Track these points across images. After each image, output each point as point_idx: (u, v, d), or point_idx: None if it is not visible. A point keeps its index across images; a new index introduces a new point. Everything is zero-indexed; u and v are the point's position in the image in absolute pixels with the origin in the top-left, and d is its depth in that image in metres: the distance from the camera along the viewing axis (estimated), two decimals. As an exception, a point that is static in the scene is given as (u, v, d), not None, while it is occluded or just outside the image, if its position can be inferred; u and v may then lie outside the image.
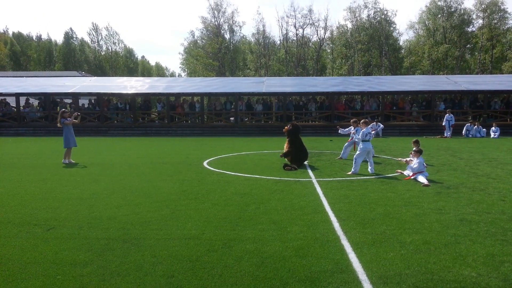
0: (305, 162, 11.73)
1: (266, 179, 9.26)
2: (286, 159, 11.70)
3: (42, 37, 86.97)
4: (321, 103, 27.63)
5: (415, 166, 9.26)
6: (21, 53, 79.82)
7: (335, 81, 29.42)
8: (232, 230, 5.45)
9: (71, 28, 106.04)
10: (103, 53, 79.91)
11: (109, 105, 28.11)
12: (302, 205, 6.81)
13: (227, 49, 64.49)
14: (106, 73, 74.30)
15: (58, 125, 12.41)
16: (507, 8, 68.09)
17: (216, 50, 61.68)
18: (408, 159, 10.05)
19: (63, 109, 12.93)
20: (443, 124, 22.79)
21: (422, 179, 8.84)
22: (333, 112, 25.76)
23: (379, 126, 23.04)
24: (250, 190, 8.08)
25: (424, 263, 4.33)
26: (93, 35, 79.03)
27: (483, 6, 54.66)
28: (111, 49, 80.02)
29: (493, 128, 22.56)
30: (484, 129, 22.99)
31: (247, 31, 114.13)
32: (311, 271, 4.11)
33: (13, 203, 7.01)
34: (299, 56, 61.57)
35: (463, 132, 23.17)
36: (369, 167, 10.26)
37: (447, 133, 22.49)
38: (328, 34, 63.60)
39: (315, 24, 70.46)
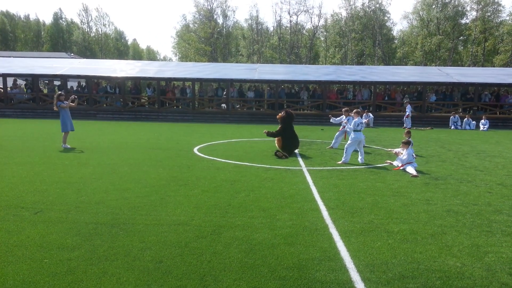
0: (296, 151, 11.75)
1: (256, 167, 9.27)
2: (277, 144, 11.71)
3: (30, 17, 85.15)
4: (313, 92, 27.60)
5: (404, 157, 9.33)
6: (9, 33, 78.02)
7: (328, 69, 29.35)
8: (222, 217, 5.45)
9: (60, 9, 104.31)
10: (92, 34, 78.51)
11: (98, 88, 27.72)
12: (292, 193, 6.83)
13: (220, 34, 63.82)
14: (95, 56, 73.13)
15: (55, 108, 12.16)
16: (501, 1, 68.37)
17: (208, 34, 61.00)
18: (397, 150, 10.12)
19: (59, 92, 12.66)
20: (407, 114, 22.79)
21: (411, 169, 8.92)
22: (325, 101, 25.77)
23: (369, 116, 23.14)
24: (240, 177, 8.08)
25: (411, 252, 4.39)
26: (83, 16, 77.61)
27: (477, -2, 54.73)
28: (101, 31, 78.72)
29: (483, 120, 22.78)
30: (473, 122, 23.23)
31: (240, 16, 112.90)
32: (299, 259, 4.15)
33: (0, 186, 6.92)
34: (292, 43, 61.23)
35: (450, 124, 23.35)
36: (359, 157, 10.32)
37: (408, 124, 22.52)
38: (322, 21, 63.38)
39: (309, 11, 70.37)
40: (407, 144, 9.56)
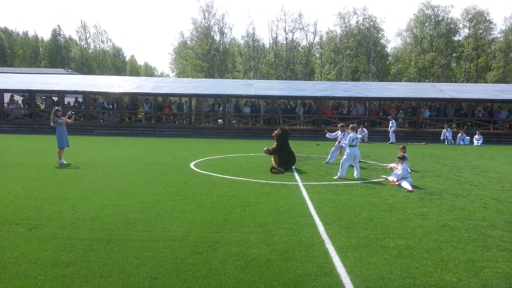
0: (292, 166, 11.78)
1: (252, 182, 9.27)
2: (273, 161, 11.75)
3: (29, 33, 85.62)
4: (309, 107, 27.79)
5: (399, 172, 9.38)
6: (7, 49, 78.34)
7: (323, 85, 29.62)
8: (218, 233, 5.44)
9: (58, 25, 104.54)
10: (90, 51, 78.95)
11: (96, 104, 27.80)
12: (288, 209, 6.83)
13: (217, 50, 64.41)
14: (93, 72, 73.38)
15: (51, 124, 12.18)
16: (493, 19, 69.60)
17: (205, 51, 61.55)
18: (392, 165, 10.17)
19: (57, 108, 12.70)
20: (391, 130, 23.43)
21: (406, 185, 8.95)
22: (321, 117, 25.93)
23: (364, 131, 23.28)
24: (236, 192, 8.08)
25: (407, 267, 4.39)
26: (81, 32, 78.06)
27: (469, 16, 55.72)
28: (99, 47, 79.19)
29: (477, 136, 22.98)
30: (467, 137, 23.41)
31: (237, 33, 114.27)
32: (296, 275, 4.13)
33: (-6, 202, 6.88)
34: (288, 60, 61.84)
35: (441, 137, 23.56)
36: (355, 172, 10.35)
37: (392, 139, 23.24)
38: (317, 39, 64.15)
39: (304, 28, 71.12)
40: (402, 159, 9.62)
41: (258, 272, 4.17)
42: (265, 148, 12.11)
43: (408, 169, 9.60)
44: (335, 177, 10.12)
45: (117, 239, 5.10)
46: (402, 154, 9.98)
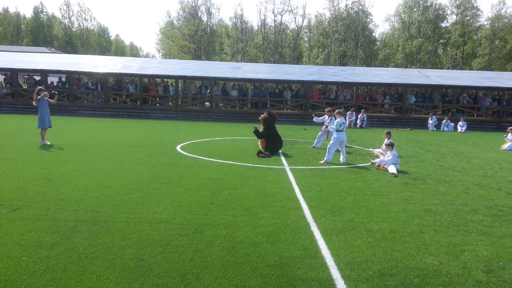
0: (279, 150, 11.81)
1: (239, 166, 9.28)
2: (260, 145, 11.74)
3: (10, 10, 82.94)
4: (297, 92, 27.75)
5: (389, 158, 9.49)
6: (-14, 26, 75.91)
7: (311, 70, 29.55)
8: (204, 215, 5.45)
9: (41, 2, 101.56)
10: (74, 29, 76.97)
11: (80, 84, 27.25)
12: (274, 192, 6.87)
13: (204, 31, 63.51)
14: (77, 51, 71.75)
15: (34, 103, 11.91)
16: (480, 6, 69.97)
17: (192, 32, 60.62)
18: (380, 151, 10.27)
19: (39, 87, 12.40)
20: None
21: (392, 168, 9.08)
22: (308, 101, 25.94)
23: (353, 115, 23.43)
24: (223, 176, 8.08)
25: (390, 250, 4.48)
26: (64, 10, 75.94)
27: (457, 2, 55.95)
28: (83, 25, 77.26)
29: (461, 122, 23.32)
30: (452, 123, 23.75)
31: (225, 14, 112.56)
32: (281, 257, 4.18)
33: (-24, 182, 6.75)
34: (276, 43, 61.38)
35: (428, 126, 23.80)
36: (341, 157, 10.44)
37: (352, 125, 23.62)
38: (306, 22, 63.76)
39: (293, 11, 70.67)
40: (391, 146, 9.73)
41: (244, 254, 4.21)
42: (254, 126, 11.96)
43: (397, 155, 9.72)
44: (322, 161, 10.19)
45: (103, 220, 5.07)
46: (389, 141, 10.09)
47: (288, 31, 64.28)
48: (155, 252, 4.17)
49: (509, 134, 15.08)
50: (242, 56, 60.57)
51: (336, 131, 10.31)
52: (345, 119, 22.90)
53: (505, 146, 14.79)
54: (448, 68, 55.55)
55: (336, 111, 10.85)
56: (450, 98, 26.69)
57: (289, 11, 65.47)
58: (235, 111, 26.38)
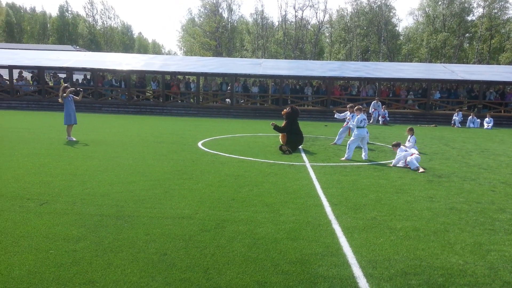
0: (300, 146, 11.76)
1: (260, 162, 9.29)
2: (281, 140, 11.69)
3: (36, 9, 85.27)
4: (317, 88, 27.53)
5: (409, 144, 9.46)
6: (15, 25, 78.15)
7: (333, 65, 29.24)
8: (226, 211, 5.49)
9: (66, 1, 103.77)
10: (98, 28, 78.48)
11: (104, 81, 27.79)
12: (295, 189, 6.86)
13: (225, 28, 63.67)
14: (101, 49, 73.17)
15: (60, 100, 12.21)
16: (508, -2, 67.48)
17: (213, 29, 60.87)
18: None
19: (65, 84, 12.73)
20: (372, 111, 22.94)
21: (414, 163, 8.96)
22: (329, 97, 25.72)
23: (385, 112, 23.03)
24: (244, 172, 8.11)
25: (413, 249, 4.41)
26: (89, 8, 77.54)
27: (484, -6, 54.28)
28: (107, 24, 78.69)
29: (487, 119, 22.66)
30: (478, 120, 23.11)
31: (246, 11, 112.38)
32: (302, 254, 4.18)
33: (6, 177, 6.99)
34: (297, 38, 60.99)
35: (452, 122, 23.12)
36: (363, 153, 10.32)
37: (375, 121, 22.83)
38: (327, 17, 63.07)
39: (314, 6, 70.03)
40: (397, 146, 9.66)
41: (265, 251, 4.22)
42: (272, 123, 11.92)
43: (406, 149, 9.52)
44: (343, 158, 10.10)
45: (127, 215, 5.17)
46: (395, 142, 10.03)
47: (309, 27, 63.77)
48: (178, 247, 4.23)
49: None
50: (262, 52, 60.48)
51: (357, 127, 10.19)
52: (372, 110, 22.58)
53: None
54: (474, 63, 53.99)
55: (356, 107, 10.70)
56: (477, 94, 25.96)
57: (310, 6, 64.93)
58: (256, 108, 26.40)
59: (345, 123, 13.19)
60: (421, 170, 8.77)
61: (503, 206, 6.28)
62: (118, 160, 8.86)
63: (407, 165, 9.21)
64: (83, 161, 8.67)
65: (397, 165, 9.39)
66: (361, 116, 10.24)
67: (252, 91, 27.33)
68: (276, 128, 11.69)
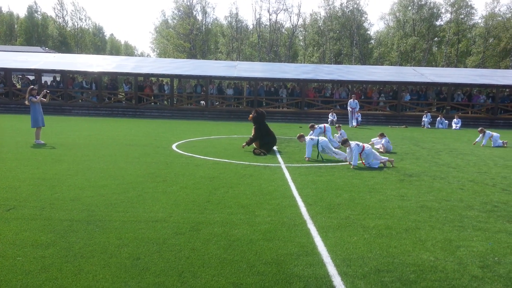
0: (275, 148, 11.80)
1: (235, 164, 9.26)
2: (254, 144, 11.68)
3: (2, 9, 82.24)
4: (292, 90, 27.76)
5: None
6: (-21, 25, 75.25)
7: (307, 68, 29.57)
8: (200, 214, 5.44)
9: (35, 2, 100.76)
10: (68, 29, 76.48)
11: (74, 83, 27.10)
12: (271, 190, 6.87)
13: (199, 30, 63.38)
14: (71, 50, 71.31)
15: (26, 102, 11.86)
16: (474, 4, 70.26)
17: (187, 31, 60.44)
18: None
19: (32, 86, 12.34)
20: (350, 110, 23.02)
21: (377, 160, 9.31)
22: (304, 99, 25.97)
23: (334, 116, 23.10)
24: (219, 174, 8.06)
25: (386, 247, 4.49)
26: (58, 9, 75.42)
27: (451, 0, 56.17)
28: (77, 25, 76.79)
29: (455, 119, 23.42)
30: (446, 121, 23.85)
31: (220, 13, 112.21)
32: (278, 254, 4.18)
33: (-30, 182, 6.69)
34: (271, 41, 61.37)
35: (422, 124, 23.80)
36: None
37: (351, 123, 22.85)
38: (301, 21, 63.79)
39: (288, 10, 70.57)
40: (347, 142, 9.82)
41: (241, 252, 4.20)
42: (243, 145, 11.68)
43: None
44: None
45: (98, 220, 5.04)
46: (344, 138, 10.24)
47: (283, 30, 64.31)
48: (152, 251, 4.15)
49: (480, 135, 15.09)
50: (237, 55, 60.51)
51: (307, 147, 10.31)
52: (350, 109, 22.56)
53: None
54: (442, 66, 55.78)
55: (298, 135, 11.05)
56: (445, 96, 26.82)
57: (284, 9, 65.77)
58: (231, 110, 26.36)
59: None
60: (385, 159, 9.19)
61: (471, 203, 6.49)
62: (89, 164, 8.64)
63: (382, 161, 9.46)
64: (52, 165, 8.40)
65: (373, 165, 9.49)
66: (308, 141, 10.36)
67: (227, 93, 27.28)
68: (250, 142, 11.60)
